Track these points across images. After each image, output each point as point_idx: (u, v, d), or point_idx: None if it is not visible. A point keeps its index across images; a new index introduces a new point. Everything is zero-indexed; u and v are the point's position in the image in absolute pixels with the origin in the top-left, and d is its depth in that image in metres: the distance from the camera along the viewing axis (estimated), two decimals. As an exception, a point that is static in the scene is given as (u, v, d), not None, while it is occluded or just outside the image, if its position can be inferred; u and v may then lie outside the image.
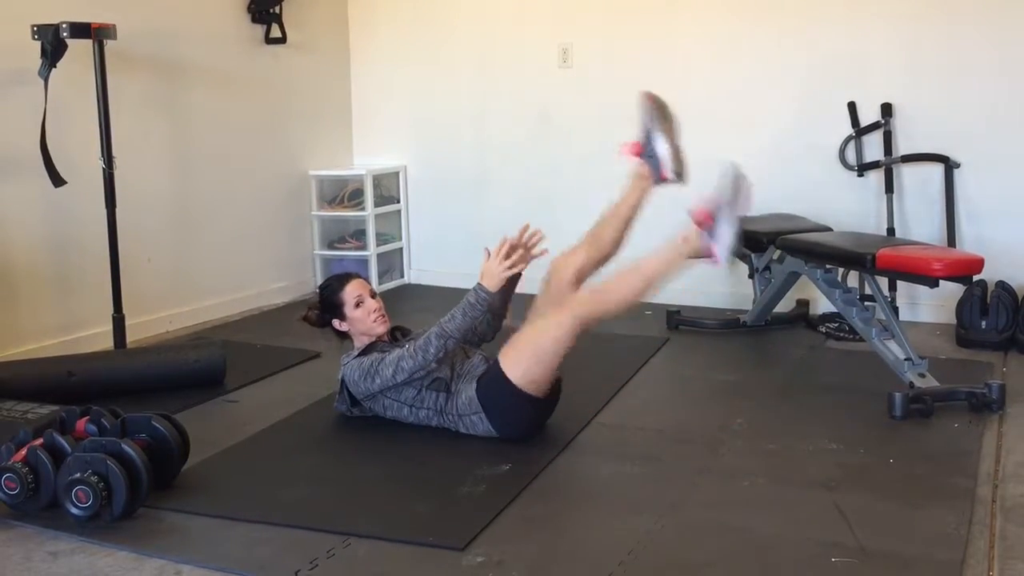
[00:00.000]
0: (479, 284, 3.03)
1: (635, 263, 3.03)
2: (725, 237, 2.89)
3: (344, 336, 3.34)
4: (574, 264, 3.18)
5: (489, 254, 3.08)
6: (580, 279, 3.18)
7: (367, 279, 3.53)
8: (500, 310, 3.39)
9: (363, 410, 3.23)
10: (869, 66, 4.58)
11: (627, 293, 3.02)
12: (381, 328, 3.31)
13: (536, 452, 2.97)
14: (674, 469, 2.86)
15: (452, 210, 5.56)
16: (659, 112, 3.07)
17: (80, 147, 3.98)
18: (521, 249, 3.15)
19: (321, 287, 3.44)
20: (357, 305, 3.29)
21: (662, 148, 3.03)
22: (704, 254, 2.97)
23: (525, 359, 2.97)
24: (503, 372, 2.99)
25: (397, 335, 3.38)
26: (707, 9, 4.87)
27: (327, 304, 3.32)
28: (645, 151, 3.05)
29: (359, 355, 3.25)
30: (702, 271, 4.83)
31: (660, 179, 3.04)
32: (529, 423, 3.05)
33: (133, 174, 4.24)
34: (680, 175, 3.02)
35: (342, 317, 3.29)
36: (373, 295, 3.33)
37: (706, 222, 2.94)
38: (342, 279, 3.36)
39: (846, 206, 4.66)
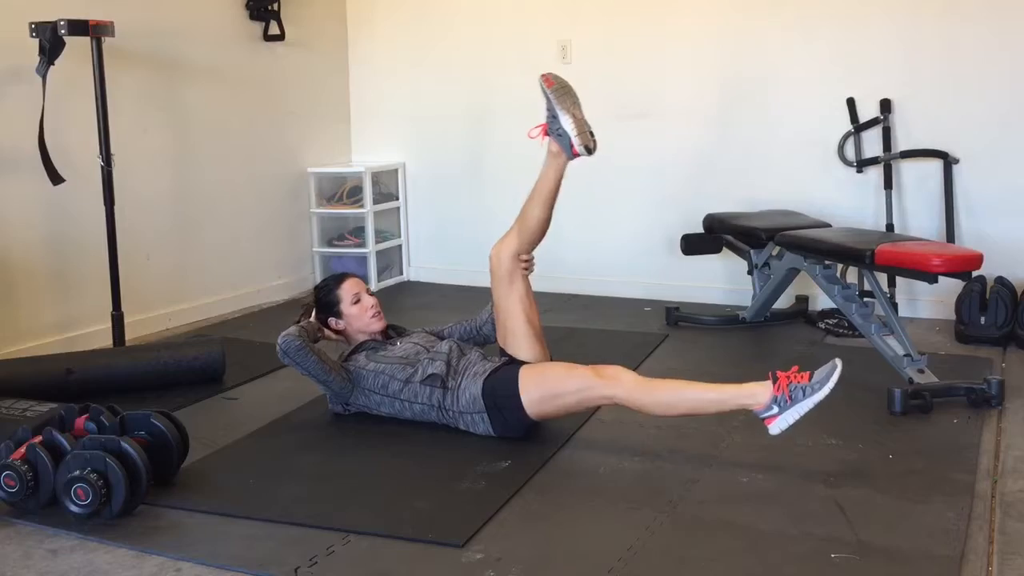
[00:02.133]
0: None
1: (698, 383, 2.89)
2: (791, 418, 2.71)
3: (340, 337, 3.34)
4: (509, 249, 3.19)
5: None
6: (519, 262, 3.20)
7: (363, 278, 3.54)
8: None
9: (358, 407, 3.23)
10: (868, 62, 4.58)
11: (669, 403, 2.88)
12: (378, 325, 3.32)
13: (535, 448, 2.97)
14: (673, 465, 2.86)
15: (451, 207, 5.56)
16: (561, 90, 3.12)
17: (78, 145, 3.98)
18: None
19: (317, 287, 3.45)
20: (355, 302, 3.30)
21: (568, 125, 3.06)
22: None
23: (544, 392, 2.96)
24: (518, 387, 2.98)
25: (391, 333, 3.38)
26: (706, 4, 4.86)
27: (324, 303, 3.32)
28: (552, 129, 3.10)
29: (351, 352, 3.25)
30: (701, 269, 4.86)
31: (572, 155, 3.09)
32: (525, 430, 3.06)
33: (132, 172, 4.24)
34: (590, 149, 3.06)
35: (339, 315, 3.30)
36: (370, 293, 3.35)
37: (785, 390, 2.75)
38: (338, 278, 3.38)
39: (845, 202, 4.66)
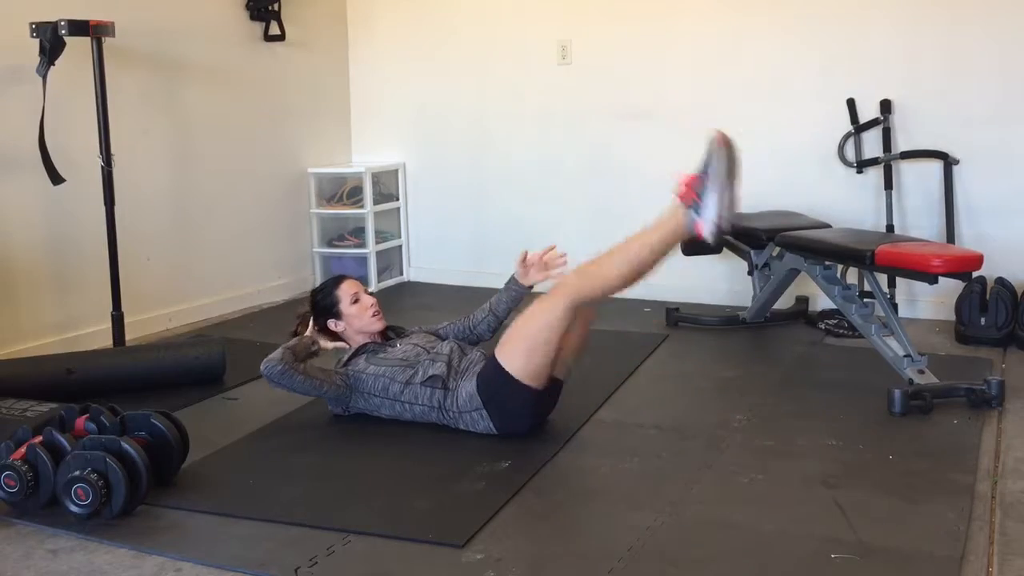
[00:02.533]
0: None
1: (623, 242, 2.91)
2: (711, 211, 2.70)
3: (337, 343, 3.33)
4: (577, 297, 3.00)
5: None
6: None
7: (363, 279, 3.54)
8: (503, 314, 3.40)
9: (358, 410, 3.23)
10: (868, 63, 4.58)
11: (615, 273, 2.89)
12: (378, 325, 3.32)
13: (536, 449, 2.97)
14: (673, 466, 2.86)
15: (451, 207, 5.56)
16: (728, 160, 2.75)
17: (79, 145, 3.98)
18: (541, 266, 3.32)
19: (314, 291, 3.43)
20: (354, 301, 3.29)
21: (712, 206, 2.71)
22: (691, 231, 2.77)
23: (520, 347, 2.96)
24: (500, 364, 2.98)
25: (390, 334, 3.38)
26: (707, 5, 4.87)
27: (322, 305, 3.31)
28: (694, 201, 2.75)
29: (351, 356, 3.25)
30: (701, 269, 4.86)
31: (694, 231, 2.76)
32: (529, 417, 3.05)
33: (132, 172, 4.24)
34: (714, 235, 2.74)
35: (338, 316, 3.29)
36: (369, 294, 3.35)
37: (689, 196, 2.76)
38: (335, 280, 3.38)
39: (845, 203, 4.66)
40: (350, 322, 3.30)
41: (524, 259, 3.36)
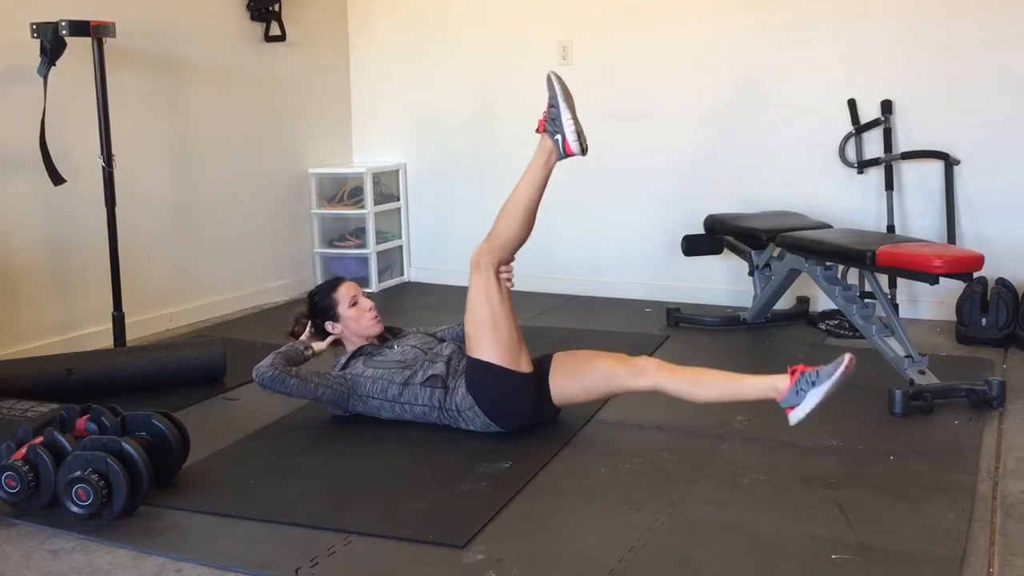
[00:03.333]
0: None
1: (511, 193, 3.16)
2: (568, 128, 3.07)
3: (336, 342, 3.33)
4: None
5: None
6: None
7: (364, 279, 3.54)
8: None
9: (358, 412, 3.22)
10: (869, 63, 4.59)
11: (513, 219, 3.14)
12: (376, 328, 3.31)
13: (536, 449, 2.97)
14: (674, 466, 2.86)
15: (452, 208, 5.56)
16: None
17: (79, 145, 3.98)
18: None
19: (311, 292, 3.42)
20: (352, 304, 3.29)
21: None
22: (561, 151, 3.10)
23: (480, 333, 3.06)
24: (475, 358, 3.05)
25: (387, 336, 3.37)
26: (707, 5, 4.87)
27: (320, 307, 3.31)
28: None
29: (349, 359, 3.25)
30: (702, 270, 4.86)
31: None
32: (521, 404, 3.06)
33: (133, 172, 4.24)
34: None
35: (336, 318, 3.29)
36: (367, 296, 3.35)
37: (545, 126, 3.14)
38: (334, 282, 3.37)
39: (846, 203, 4.66)
40: (347, 325, 3.29)
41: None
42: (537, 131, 3.16)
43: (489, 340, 3.04)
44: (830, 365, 2.78)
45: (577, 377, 3.07)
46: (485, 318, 3.06)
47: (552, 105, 3.13)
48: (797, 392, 2.78)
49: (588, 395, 3.13)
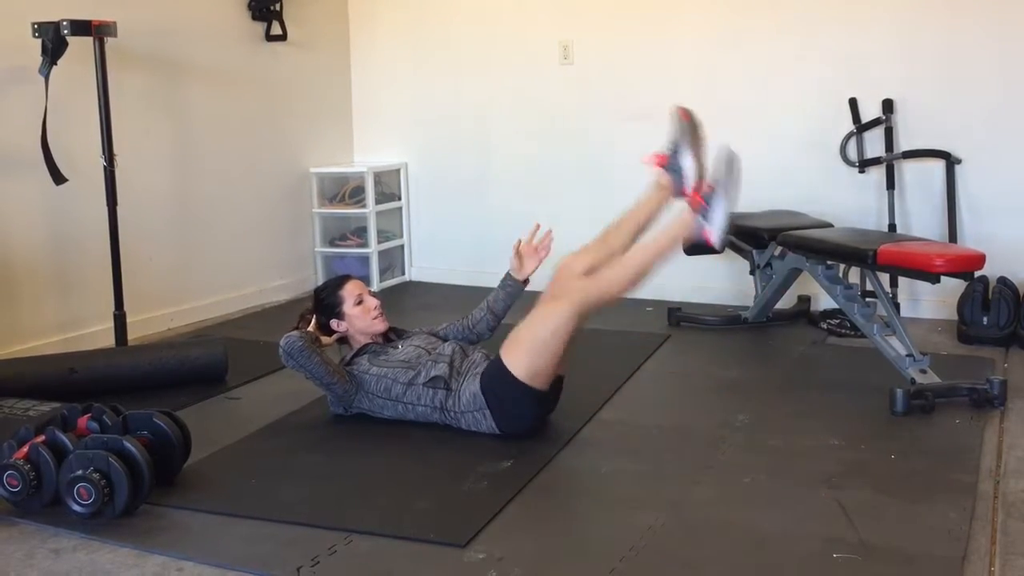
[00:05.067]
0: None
1: (632, 249, 3.07)
2: (719, 218, 2.92)
3: (341, 340, 3.34)
4: (583, 265, 3.12)
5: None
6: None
7: (365, 279, 3.55)
8: (501, 312, 3.40)
9: (361, 410, 3.23)
10: (870, 62, 4.58)
11: (624, 278, 3.02)
12: (381, 326, 3.32)
13: (537, 449, 2.97)
14: (675, 465, 2.86)
15: (453, 207, 5.56)
16: (691, 128, 3.06)
17: (81, 145, 3.99)
18: (532, 251, 3.34)
19: (317, 289, 3.43)
20: (358, 303, 3.30)
21: (688, 164, 3.02)
22: (699, 237, 2.97)
23: (526, 351, 2.97)
24: (505, 367, 2.99)
25: (391, 336, 3.38)
26: (708, 5, 4.86)
27: (325, 304, 3.31)
28: (670, 164, 3.06)
29: (354, 355, 3.26)
30: (703, 269, 4.86)
31: (681, 193, 3.02)
32: (531, 418, 3.05)
33: (134, 172, 4.24)
34: (721, 247, 3.01)
35: (340, 316, 3.29)
36: (373, 295, 3.35)
37: (699, 204, 2.97)
38: (340, 280, 3.38)
39: (847, 202, 4.66)
40: (352, 323, 3.30)
41: (518, 249, 3.37)
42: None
43: (527, 360, 2.96)
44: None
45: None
46: (541, 343, 2.95)
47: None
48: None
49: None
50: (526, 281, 3.40)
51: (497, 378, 3.01)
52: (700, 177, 3.02)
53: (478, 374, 3.07)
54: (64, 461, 2.50)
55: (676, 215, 2.98)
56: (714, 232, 2.92)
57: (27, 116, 3.81)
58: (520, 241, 3.38)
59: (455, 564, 2.28)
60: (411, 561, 2.31)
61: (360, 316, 3.30)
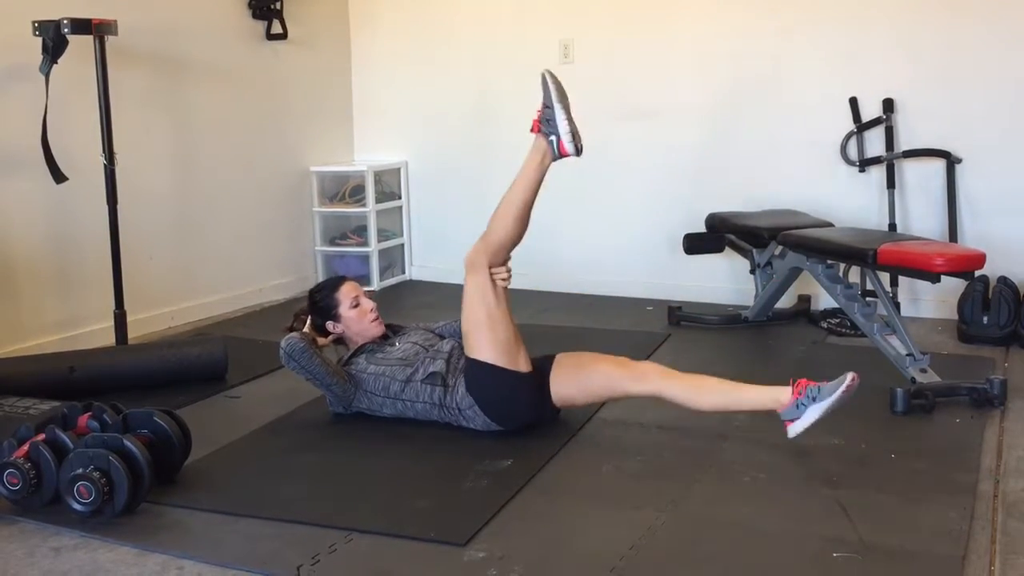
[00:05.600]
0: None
1: (506, 192, 3.13)
2: (563, 128, 3.04)
3: (338, 340, 3.34)
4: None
5: None
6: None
7: (365, 277, 3.54)
8: None
9: (360, 409, 3.23)
10: (871, 62, 4.58)
11: (507, 220, 3.11)
12: (377, 330, 3.33)
13: (538, 448, 2.97)
14: (675, 464, 2.86)
15: (453, 206, 5.56)
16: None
17: (81, 143, 3.99)
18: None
19: (312, 291, 3.43)
20: (354, 305, 3.30)
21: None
22: (556, 152, 3.07)
23: (478, 333, 3.04)
24: (474, 358, 3.05)
25: (388, 333, 3.38)
26: (709, 4, 4.86)
27: (321, 307, 3.31)
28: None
29: (351, 355, 3.26)
30: (703, 268, 4.86)
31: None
32: (520, 404, 3.06)
33: (134, 170, 4.24)
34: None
35: (336, 319, 3.30)
36: (369, 296, 3.35)
37: (539, 126, 3.09)
38: (335, 282, 3.38)
39: (848, 202, 4.66)
40: (348, 325, 3.31)
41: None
42: (531, 131, 3.12)
43: (486, 340, 3.03)
44: (833, 382, 2.79)
45: (577, 379, 3.07)
46: (481, 318, 3.05)
47: (546, 105, 3.09)
48: (798, 406, 2.79)
49: (588, 397, 3.12)
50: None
51: (474, 372, 3.04)
52: (575, 131, 3.09)
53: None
54: (64, 460, 2.50)
55: (531, 145, 3.09)
56: (565, 142, 3.04)
57: (27, 115, 3.81)
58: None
59: (455, 563, 2.29)
60: (411, 559, 2.31)
61: (357, 319, 3.30)
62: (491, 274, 3.08)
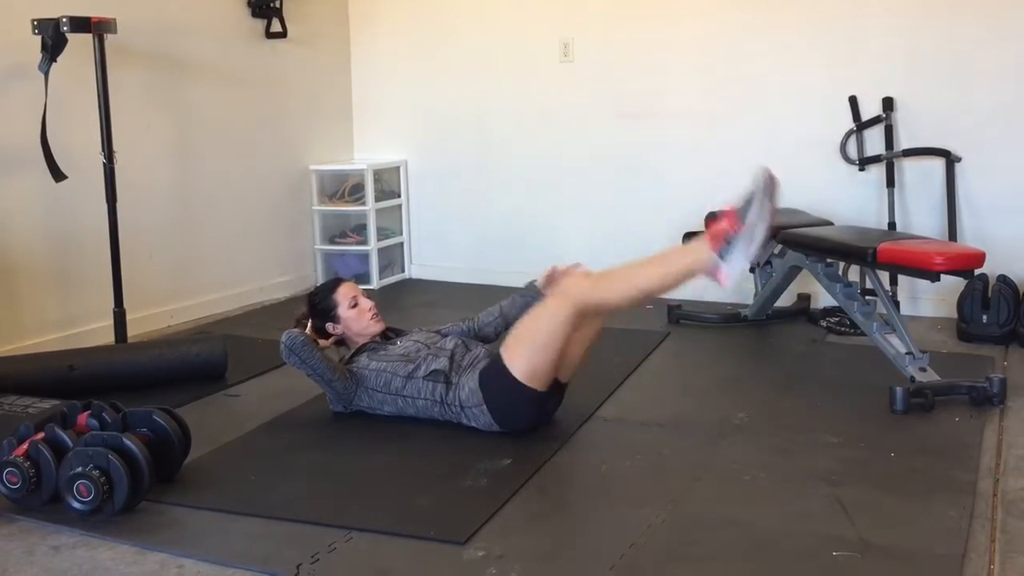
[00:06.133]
0: None
1: (643, 260, 2.98)
2: (737, 264, 2.73)
3: (339, 342, 3.34)
4: (589, 278, 3.04)
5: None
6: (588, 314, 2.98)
7: (365, 276, 3.54)
8: (514, 320, 3.37)
9: (361, 407, 3.23)
10: (870, 60, 4.58)
11: (626, 292, 2.96)
12: (377, 327, 3.33)
13: (537, 446, 2.97)
14: (675, 463, 2.86)
15: (453, 204, 5.56)
16: (769, 214, 2.71)
17: (80, 142, 3.98)
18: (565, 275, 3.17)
19: (311, 294, 3.43)
20: (352, 306, 3.30)
21: (739, 259, 2.72)
22: (711, 275, 2.80)
23: (524, 349, 2.96)
24: (504, 365, 2.98)
25: (390, 334, 3.38)
26: (709, 3, 4.86)
27: (320, 309, 3.32)
28: (723, 248, 2.72)
29: (353, 354, 3.26)
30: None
31: (715, 280, 2.76)
32: (529, 418, 3.05)
33: (134, 169, 4.24)
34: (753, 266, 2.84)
35: (336, 320, 3.30)
36: (367, 296, 3.36)
37: (720, 242, 2.75)
38: (333, 284, 3.39)
39: (847, 200, 4.66)
40: (348, 325, 3.31)
41: (552, 275, 3.23)
42: (708, 237, 2.76)
43: (526, 358, 2.95)
44: (744, 203, 2.66)
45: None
46: (537, 339, 2.93)
47: (740, 218, 2.70)
48: (721, 254, 2.68)
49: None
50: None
51: (496, 375, 3.01)
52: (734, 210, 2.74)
53: (479, 369, 3.07)
54: (64, 458, 2.50)
55: (695, 244, 2.79)
56: (729, 277, 2.72)
57: (27, 113, 3.81)
58: (555, 268, 3.25)
59: (455, 561, 2.29)
60: (411, 558, 2.31)
61: (356, 319, 3.30)
62: (577, 317, 2.88)
